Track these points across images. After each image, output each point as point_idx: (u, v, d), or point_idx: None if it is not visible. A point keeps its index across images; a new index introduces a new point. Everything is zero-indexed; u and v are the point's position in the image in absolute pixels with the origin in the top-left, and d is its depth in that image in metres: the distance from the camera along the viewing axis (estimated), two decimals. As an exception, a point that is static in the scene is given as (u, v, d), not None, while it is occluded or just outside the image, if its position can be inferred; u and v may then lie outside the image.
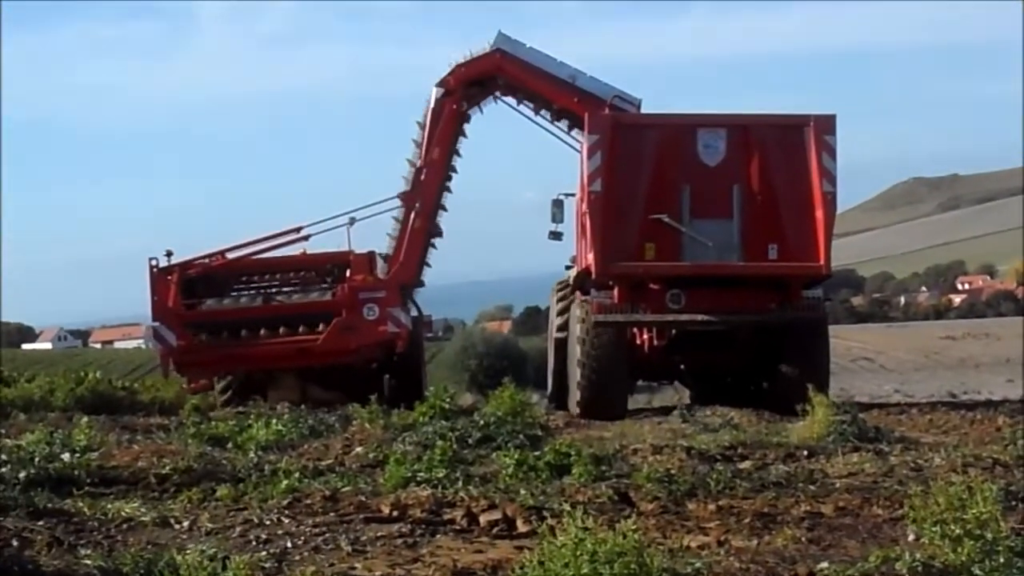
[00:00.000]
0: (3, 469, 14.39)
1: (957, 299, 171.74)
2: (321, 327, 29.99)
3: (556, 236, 30.39)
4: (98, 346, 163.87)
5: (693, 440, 17.80)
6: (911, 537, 10.70)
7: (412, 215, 30.77)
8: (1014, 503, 11.95)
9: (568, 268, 31.14)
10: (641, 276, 26.05)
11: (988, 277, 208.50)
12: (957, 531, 9.61)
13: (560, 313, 29.98)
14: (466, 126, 31.41)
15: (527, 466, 14.68)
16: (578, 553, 8.37)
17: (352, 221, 30.16)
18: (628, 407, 27.43)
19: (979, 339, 64.60)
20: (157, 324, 30.17)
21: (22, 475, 14.07)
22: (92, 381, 30.26)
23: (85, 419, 21.43)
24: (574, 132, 30.24)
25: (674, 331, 27.61)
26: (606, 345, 26.16)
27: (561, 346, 29.13)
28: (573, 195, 29.70)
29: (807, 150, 25.64)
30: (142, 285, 30.06)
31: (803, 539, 11.14)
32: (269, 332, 30.13)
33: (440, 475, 14.38)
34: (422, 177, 30.77)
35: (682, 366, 29.20)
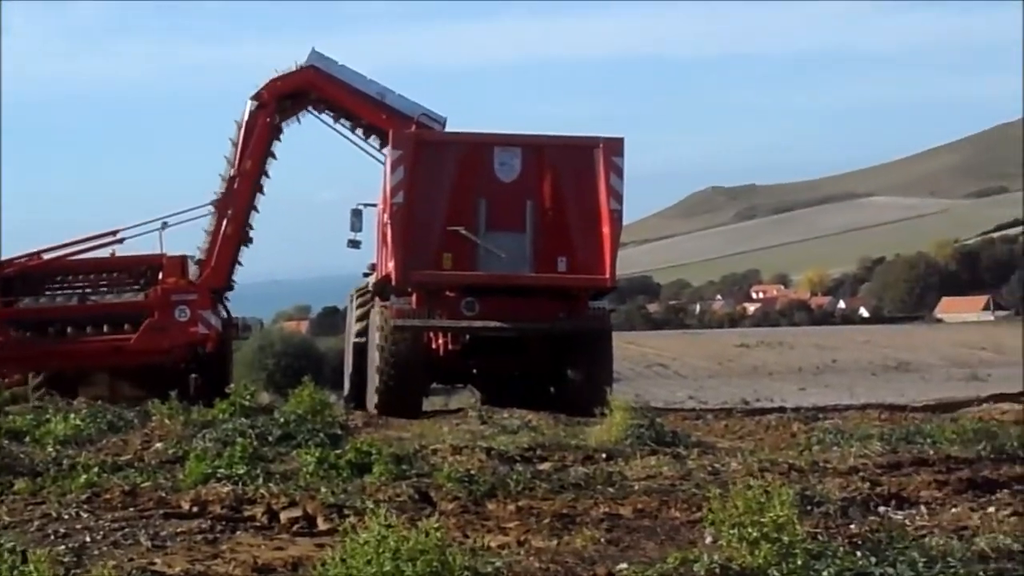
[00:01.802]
0: None
1: (751, 308, 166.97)
2: (134, 327, 29.41)
3: (354, 244, 30.07)
4: None
5: (492, 441, 17.01)
6: (708, 540, 10.24)
7: (224, 222, 30.11)
8: (810, 507, 11.39)
9: (366, 275, 30.92)
10: (438, 284, 25.84)
11: (782, 287, 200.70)
12: (755, 534, 9.18)
13: (360, 318, 29.58)
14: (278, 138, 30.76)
15: (328, 464, 13.91)
16: (381, 550, 7.85)
17: (164, 225, 29.71)
18: (424, 408, 27.24)
19: (772, 347, 63.65)
20: None
21: None
22: None
23: None
24: (380, 146, 29.84)
25: (468, 336, 27.36)
26: (404, 348, 25.89)
27: (360, 349, 28.75)
28: (371, 205, 29.46)
29: (596, 170, 25.67)
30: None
31: (602, 540, 10.58)
32: (84, 331, 29.58)
33: (240, 472, 13.56)
34: (235, 186, 30.13)
35: (475, 370, 28.98)
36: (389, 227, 25.98)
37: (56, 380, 29.31)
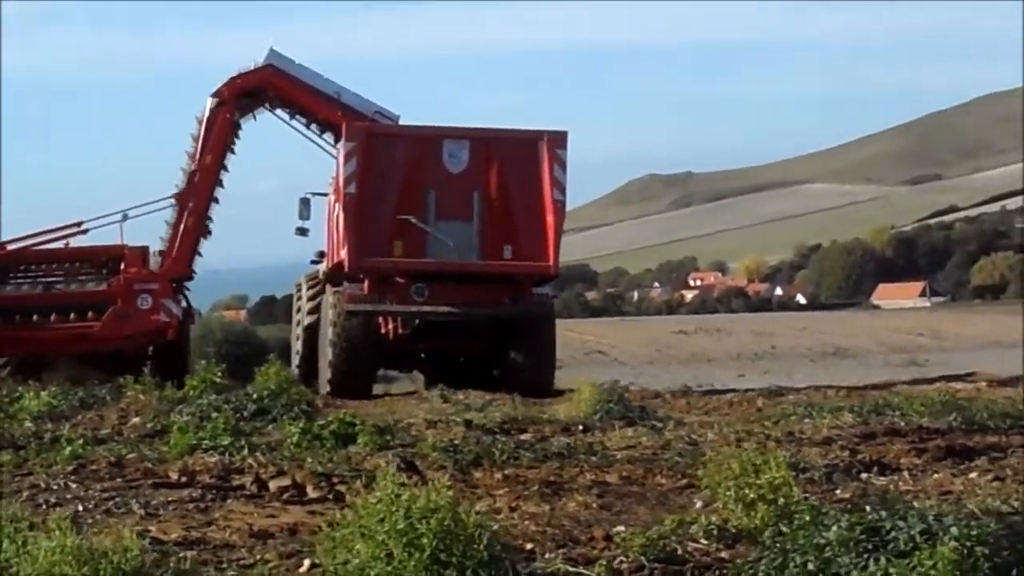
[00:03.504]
0: None
1: (689, 295, 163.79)
2: (98, 315, 29.65)
3: (302, 232, 30.43)
4: None
5: (466, 415, 16.78)
6: (699, 505, 10.04)
7: (185, 214, 30.35)
8: (795, 473, 11.19)
9: (315, 263, 31.08)
10: (389, 271, 25.94)
11: (719, 274, 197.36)
12: (751, 495, 8.98)
13: (311, 302, 29.85)
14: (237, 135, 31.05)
15: (312, 435, 13.65)
16: (393, 508, 7.59)
17: (125, 217, 30.12)
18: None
19: (710, 334, 61.82)
20: None
21: None
22: None
23: None
24: (335, 142, 29.84)
25: (417, 321, 27.53)
26: (356, 331, 26.00)
27: (312, 333, 28.99)
28: (320, 194, 29.77)
29: (540, 162, 25.91)
30: None
31: (594, 505, 10.40)
32: (49, 318, 29.78)
33: (225, 443, 13.26)
34: (195, 180, 30.35)
35: (423, 353, 29.17)
36: (342, 216, 26.04)
37: (23, 364, 29.41)
